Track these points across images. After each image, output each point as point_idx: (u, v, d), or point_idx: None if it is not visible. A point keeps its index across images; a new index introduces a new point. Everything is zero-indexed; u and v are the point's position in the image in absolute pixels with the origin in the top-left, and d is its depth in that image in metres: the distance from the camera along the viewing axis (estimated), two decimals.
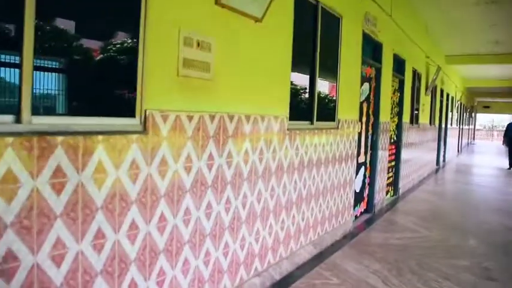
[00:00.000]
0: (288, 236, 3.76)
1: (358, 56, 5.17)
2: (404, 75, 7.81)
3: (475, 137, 36.56)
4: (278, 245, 3.61)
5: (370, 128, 6.15)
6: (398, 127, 7.83)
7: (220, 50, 2.74)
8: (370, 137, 6.18)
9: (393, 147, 7.70)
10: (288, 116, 3.60)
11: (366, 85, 5.86)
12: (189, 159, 2.53)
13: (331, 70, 4.51)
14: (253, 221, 3.22)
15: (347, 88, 4.85)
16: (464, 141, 24.73)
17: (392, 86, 7.37)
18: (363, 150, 5.90)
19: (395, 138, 7.75)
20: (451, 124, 16.42)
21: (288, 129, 3.60)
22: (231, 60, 2.87)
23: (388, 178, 7.50)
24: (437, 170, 12.55)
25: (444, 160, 14.55)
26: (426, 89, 10.17)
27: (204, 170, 2.65)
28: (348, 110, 4.92)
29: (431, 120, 11.48)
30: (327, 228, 4.60)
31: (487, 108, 33.80)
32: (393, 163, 7.78)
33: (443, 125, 13.87)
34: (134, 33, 2.18)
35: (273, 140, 3.40)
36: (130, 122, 2.17)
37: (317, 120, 4.16)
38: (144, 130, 2.22)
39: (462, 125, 21.93)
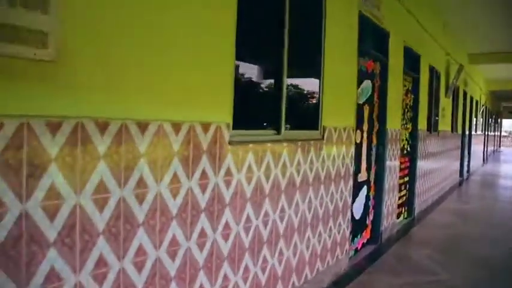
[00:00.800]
0: None
1: (352, 44, 3.94)
2: (419, 74, 6.51)
3: (501, 144, 34.37)
4: None
5: (374, 137, 4.89)
6: (413, 136, 6.52)
7: (79, 12, 1.59)
8: (374, 148, 4.91)
9: (406, 159, 6.38)
10: (230, 122, 2.41)
11: (367, 83, 4.61)
12: None
13: (310, 59, 3.31)
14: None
15: (337, 85, 3.62)
16: (490, 148, 22.91)
17: (405, 86, 6.09)
18: (364, 165, 4.64)
19: (409, 149, 6.44)
20: (476, 131, 14.87)
21: (231, 143, 2.41)
22: (106, 29, 1.70)
23: (401, 197, 6.18)
24: (460, 183, 11.07)
25: (468, 171, 13.02)
26: (447, 90, 8.80)
27: (35, 218, 1.48)
28: (338, 114, 3.69)
29: (454, 127, 10.06)
30: (308, 275, 3.36)
31: None
32: (407, 179, 6.45)
33: (467, 132, 12.39)
34: None
35: (201, 160, 2.21)
36: None
37: (288, 128, 2.95)
38: None
39: (488, 131, 20.22)
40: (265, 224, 2.76)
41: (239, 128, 2.51)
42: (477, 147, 15.35)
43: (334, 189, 3.66)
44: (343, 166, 3.80)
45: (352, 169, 4.03)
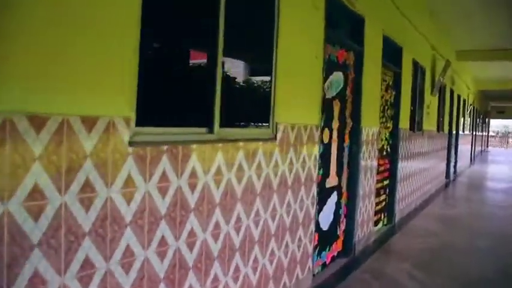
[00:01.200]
0: None
1: (318, 27, 3.37)
2: (401, 68, 5.97)
3: (489, 144, 34.17)
4: None
5: (346, 136, 4.34)
6: (394, 135, 5.99)
7: None
8: (346, 149, 4.36)
9: (386, 161, 5.85)
10: (132, 116, 1.82)
11: (338, 75, 4.05)
12: None
13: (257, 40, 2.72)
14: None
15: (295, 74, 3.04)
16: (478, 149, 22.61)
17: (385, 81, 5.56)
18: (334, 169, 4.08)
19: (389, 149, 5.91)
20: (463, 130, 14.45)
21: (133, 144, 1.82)
22: None
23: (379, 203, 5.65)
24: (447, 185, 10.61)
25: (455, 172, 12.59)
26: (432, 87, 8.30)
27: None
28: (297, 109, 3.12)
29: (440, 126, 9.58)
30: None
31: (501, 113, 31.57)
32: (386, 182, 5.92)
33: (453, 132, 11.94)
34: None
35: (82, 167, 1.62)
36: None
37: (224, 125, 2.36)
38: None
39: (475, 131, 19.87)
40: (191, 246, 2.17)
41: (148, 125, 1.93)
42: (464, 148, 14.95)
43: (292, 198, 3.09)
44: (303, 171, 3.23)
45: (316, 174, 3.46)
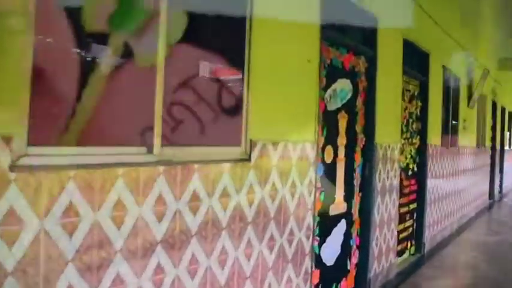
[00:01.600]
0: None
1: (309, 22, 2.85)
2: (427, 76, 5.30)
3: None
4: None
5: (358, 155, 3.74)
6: (421, 152, 5.29)
7: None
8: (358, 170, 3.75)
9: (412, 182, 5.16)
10: (19, 132, 1.37)
11: (344, 83, 3.48)
12: None
13: (220, 28, 2.23)
14: None
15: (278, 80, 2.52)
16: None
17: (408, 91, 4.92)
18: (340, 193, 3.49)
19: (415, 168, 5.21)
20: (509, 146, 13.22)
21: (17, 169, 1.37)
22: None
23: (406, 229, 4.95)
24: (490, 206, 9.57)
25: (501, 191, 11.42)
26: (469, 99, 7.48)
27: None
28: (282, 122, 2.59)
29: (480, 141, 8.65)
30: None
31: None
32: (413, 205, 5.21)
33: (497, 147, 10.86)
34: None
35: None
36: None
37: (170, 143, 1.88)
38: None
39: None
40: None
41: (50, 143, 1.49)
42: (511, 164, 13.66)
43: (276, 231, 2.54)
44: (293, 198, 2.67)
45: (312, 200, 2.90)
